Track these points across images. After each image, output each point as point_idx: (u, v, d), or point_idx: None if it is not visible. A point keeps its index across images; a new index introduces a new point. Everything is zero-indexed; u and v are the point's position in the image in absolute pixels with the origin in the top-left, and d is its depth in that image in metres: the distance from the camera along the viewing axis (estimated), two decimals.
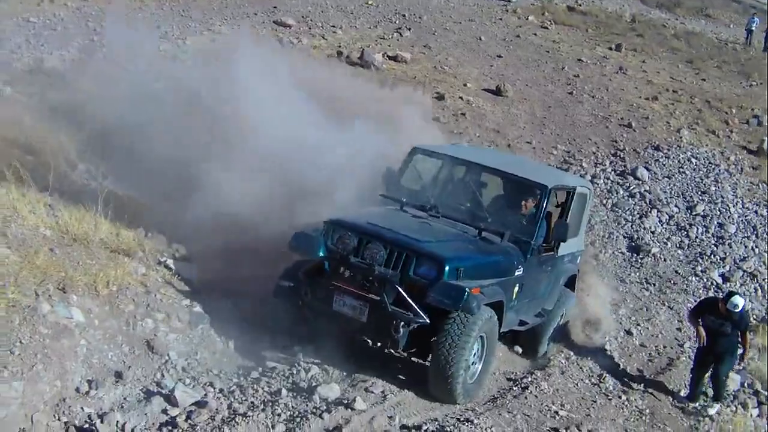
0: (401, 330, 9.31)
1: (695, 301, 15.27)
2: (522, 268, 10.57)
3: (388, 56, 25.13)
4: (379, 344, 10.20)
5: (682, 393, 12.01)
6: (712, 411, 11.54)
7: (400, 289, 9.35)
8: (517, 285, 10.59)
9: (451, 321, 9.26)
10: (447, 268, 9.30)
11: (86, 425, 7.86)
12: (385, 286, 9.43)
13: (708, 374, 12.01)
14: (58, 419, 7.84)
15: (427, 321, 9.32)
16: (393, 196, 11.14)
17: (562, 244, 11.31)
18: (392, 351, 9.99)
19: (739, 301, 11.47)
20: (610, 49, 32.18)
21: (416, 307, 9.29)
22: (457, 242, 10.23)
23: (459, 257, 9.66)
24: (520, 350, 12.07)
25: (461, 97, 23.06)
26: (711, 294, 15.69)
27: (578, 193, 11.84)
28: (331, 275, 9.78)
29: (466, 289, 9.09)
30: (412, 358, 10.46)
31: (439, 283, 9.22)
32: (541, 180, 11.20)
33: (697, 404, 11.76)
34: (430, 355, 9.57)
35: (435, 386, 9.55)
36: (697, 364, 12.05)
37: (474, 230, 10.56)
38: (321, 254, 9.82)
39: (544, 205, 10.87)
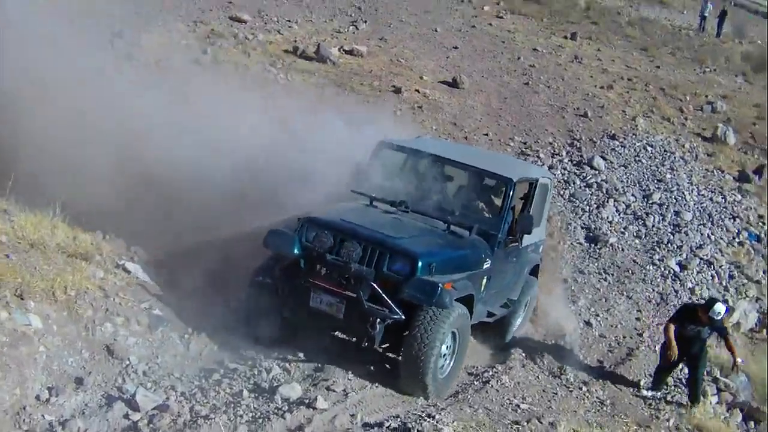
0: (377, 326, 9.54)
1: (653, 289, 15.44)
2: (489, 261, 10.79)
3: (344, 50, 25.07)
4: (354, 339, 10.31)
5: (642, 383, 12.13)
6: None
7: (375, 286, 9.52)
8: (485, 277, 10.81)
9: (422, 316, 9.47)
10: (420, 264, 9.51)
11: None
12: (360, 283, 9.58)
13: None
14: (19, 428, 7.79)
15: (402, 317, 9.54)
16: (363, 192, 11.23)
17: (525, 235, 11.48)
18: (367, 346, 9.99)
19: (721, 309, 11.51)
20: (566, 38, 32.37)
21: (391, 303, 9.51)
22: (428, 238, 10.40)
23: (431, 253, 9.86)
24: None
25: (418, 90, 23.06)
26: (668, 283, 15.86)
27: (540, 184, 12.03)
28: (307, 272, 9.89)
29: (439, 284, 9.26)
30: (381, 354, 10.53)
31: (413, 280, 9.42)
32: (506, 173, 11.37)
33: (659, 393, 11.87)
34: (402, 350, 9.71)
35: (406, 381, 9.73)
36: (665, 367, 12.09)
37: (443, 224, 10.72)
38: (296, 252, 9.92)
39: (510, 198, 11.04)
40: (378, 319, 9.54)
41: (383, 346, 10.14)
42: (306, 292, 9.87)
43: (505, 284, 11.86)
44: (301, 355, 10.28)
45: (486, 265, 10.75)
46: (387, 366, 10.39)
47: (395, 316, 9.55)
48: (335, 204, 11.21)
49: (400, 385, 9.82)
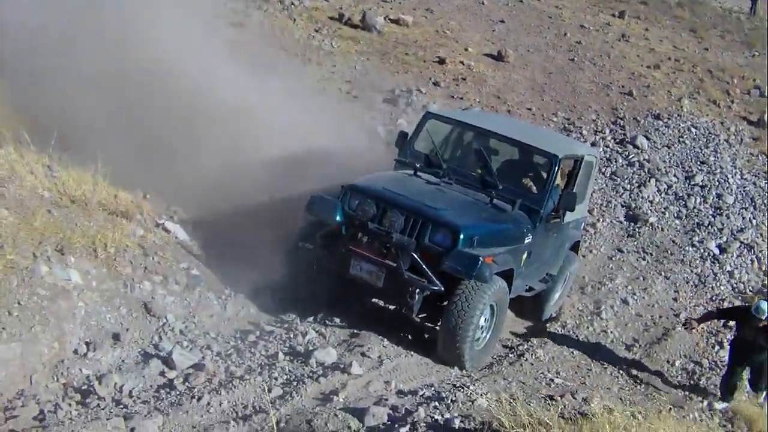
0: (416, 296, 9.58)
1: (691, 271, 15.30)
2: (530, 236, 10.76)
3: (390, 19, 24.94)
4: (393, 307, 10.57)
5: (678, 363, 12.03)
6: (719, 406, 11.25)
7: (416, 256, 9.56)
8: (526, 252, 10.79)
9: (462, 288, 9.52)
10: (462, 236, 9.52)
11: (84, 386, 7.93)
12: (401, 252, 9.61)
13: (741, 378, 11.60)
14: (57, 380, 7.91)
15: (442, 288, 9.57)
16: (407, 161, 11.35)
17: (568, 212, 11.50)
18: (405, 315, 10.14)
19: (763, 306, 10.98)
20: (613, 16, 31.98)
21: (431, 274, 9.53)
22: (471, 210, 10.38)
23: (473, 226, 9.85)
24: None
25: (462, 62, 22.92)
26: (707, 265, 15.68)
27: (585, 161, 11.99)
28: (349, 240, 9.95)
29: (480, 258, 9.30)
30: (418, 324, 10.56)
31: (454, 252, 9.44)
32: (552, 149, 11.30)
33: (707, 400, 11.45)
34: (441, 320, 9.81)
35: (443, 350, 9.82)
36: (729, 374, 11.56)
37: (486, 197, 10.69)
38: (338, 219, 9.96)
39: (554, 174, 11.03)
40: (417, 290, 9.58)
41: (420, 315, 10.10)
42: (346, 259, 9.90)
43: (545, 259, 11.82)
44: (337, 320, 10.34)
45: (527, 240, 10.71)
46: (424, 335, 10.40)
47: (434, 288, 9.57)
48: (379, 173, 11.22)
49: (437, 355, 9.89)
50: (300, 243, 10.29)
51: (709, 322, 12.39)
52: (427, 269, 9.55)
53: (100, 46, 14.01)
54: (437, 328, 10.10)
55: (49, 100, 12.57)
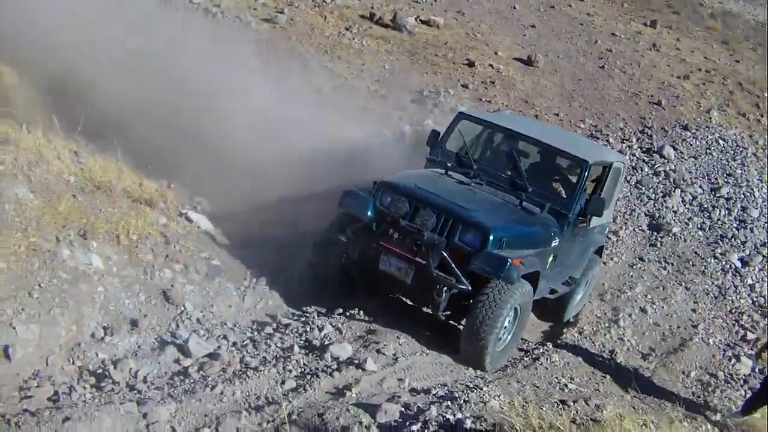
0: (444, 294, 9.69)
1: (712, 282, 15.24)
2: (557, 240, 10.87)
3: (420, 20, 24.96)
4: (418, 305, 10.74)
5: (693, 375, 11.95)
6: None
7: (445, 255, 9.63)
8: (552, 255, 10.90)
9: (490, 289, 9.62)
10: (491, 237, 9.60)
11: (100, 370, 8.00)
12: (431, 250, 9.68)
13: None
14: (73, 363, 7.98)
15: (470, 288, 9.69)
16: (438, 159, 11.50)
17: (594, 217, 11.52)
18: (430, 312, 10.27)
19: None
20: (645, 25, 31.85)
21: (459, 273, 9.64)
22: (501, 212, 10.46)
23: (503, 228, 9.92)
24: None
25: (491, 65, 22.92)
26: (728, 277, 15.58)
27: (614, 168, 12.05)
28: (379, 235, 10.05)
29: (508, 259, 9.36)
30: (436, 322, 10.57)
31: (483, 253, 9.52)
32: (582, 155, 11.36)
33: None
34: (465, 319, 9.90)
35: (466, 349, 9.92)
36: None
37: (515, 199, 10.80)
38: (370, 214, 10.05)
39: (584, 179, 11.10)
40: (445, 288, 9.67)
41: (445, 313, 10.16)
42: (376, 254, 10.04)
43: (570, 263, 11.90)
44: (360, 313, 10.49)
45: (554, 244, 10.82)
46: (442, 334, 10.43)
47: (462, 287, 9.68)
48: (411, 170, 11.35)
49: (459, 352, 10.01)
50: (332, 236, 10.42)
51: None
52: (455, 268, 9.64)
53: (130, 39, 14.19)
54: (460, 326, 10.20)
55: (79, 87, 12.69)
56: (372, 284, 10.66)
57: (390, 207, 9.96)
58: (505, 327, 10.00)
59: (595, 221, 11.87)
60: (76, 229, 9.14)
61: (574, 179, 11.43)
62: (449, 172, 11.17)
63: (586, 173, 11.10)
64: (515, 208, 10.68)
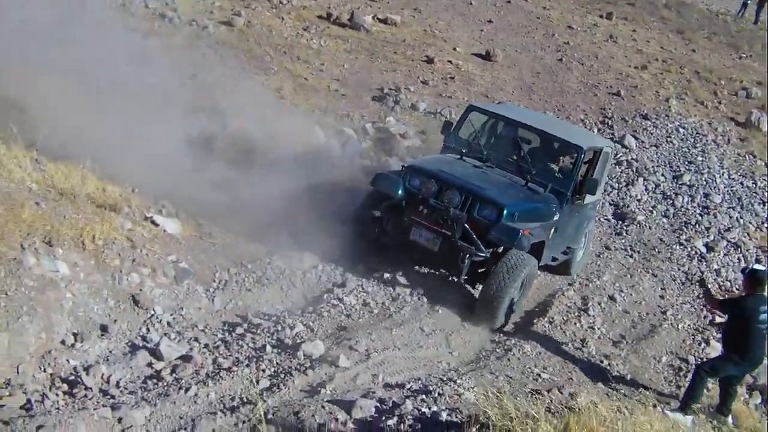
0: (466, 260, 11.39)
1: (678, 269, 15.36)
2: (558, 214, 12.48)
3: (378, 18, 24.99)
4: (443, 270, 12.35)
5: (664, 360, 11.98)
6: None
7: (467, 227, 11.33)
8: (554, 228, 12.45)
9: (507, 258, 11.24)
10: (505, 212, 11.29)
11: (71, 377, 7.94)
12: (455, 224, 11.33)
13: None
14: (44, 371, 7.91)
15: (488, 255, 11.44)
16: (453, 146, 13.07)
17: (588, 195, 13.12)
18: (454, 278, 11.96)
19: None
20: (601, 17, 32.11)
21: (479, 242, 11.31)
22: (512, 191, 12.05)
23: (515, 204, 11.55)
24: None
25: (450, 61, 23.01)
26: (694, 263, 15.69)
27: (604, 152, 13.72)
28: (410, 211, 11.70)
29: (520, 230, 11.09)
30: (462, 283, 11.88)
31: (499, 225, 11.21)
32: (578, 141, 12.97)
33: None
34: (483, 283, 11.41)
35: (481, 308, 11.33)
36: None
37: (521, 180, 12.39)
38: (400, 193, 11.71)
39: (580, 162, 12.73)
40: (467, 255, 11.34)
41: (464, 277, 11.71)
42: (407, 226, 11.67)
43: (567, 235, 13.42)
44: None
45: (555, 218, 12.40)
46: (422, 330, 10.46)
47: (482, 254, 11.40)
48: (432, 155, 13.37)
49: (474, 314, 11.40)
50: (366, 211, 12.13)
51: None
52: (476, 238, 11.26)
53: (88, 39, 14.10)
54: (476, 291, 11.78)
55: (37, 93, 12.56)
56: (402, 251, 12.10)
57: (421, 187, 11.60)
58: (514, 295, 11.41)
59: (588, 198, 13.45)
60: (40, 236, 9.04)
61: (570, 162, 13.04)
62: (464, 157, 12.64)
63: (582, 157, 12.70)
64: (522, 187, 12.24)
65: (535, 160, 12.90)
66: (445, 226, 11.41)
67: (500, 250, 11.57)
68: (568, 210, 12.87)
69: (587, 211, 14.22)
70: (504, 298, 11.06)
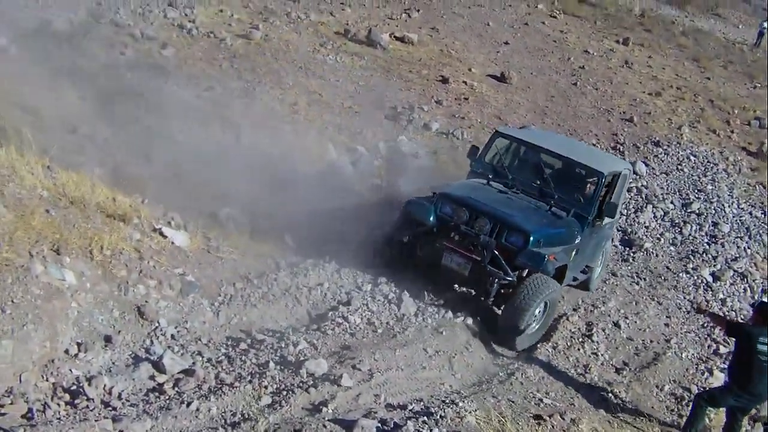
0: (495, 284, 11.79)
1: (684, 297, 15.33)
2: (579, 237, 12.91)
3: (395, 37, 25.08)
4: (472, 293, 12.53)
5: (666, 388, 11.99)
6: None
7: (496, 253, 11.74)
8: (575, 250, 12.86)
9: (530, 280, 11.62)
10: (532, 238, 11.74)
11: (74, 387, 7.95)
12: (485, 249, 11.73)
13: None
14: (46, 380, 7.92)
15: (515, 279, 11.83)
16: (479, 171, 13.53)
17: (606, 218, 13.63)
18: (482, 299, 12.13)
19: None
20: (618, 42, 32.15)
21: (507, 267, 11.72)
22: (537, 216, 12.50)
23: (540, 230, 12.01)
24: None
25: (465, 82, 23.06)
26: (700, 292, 15.64)
27: (622, 175, 14.16)
28: (441, 237, 12.06)
29: (546, 255, 11.62)
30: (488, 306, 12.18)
31: (526, 251, 11.67)
32: (599, 167, 13.44)
33: None
34: (505, 304, 11.79)
35: (503, 328, 11.78)
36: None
37: (545, 205, 12.80)
38: (432, 220, 12.12)
39: (601, 187, 13.18)
40: (496, 279, 11.75)
41: (491, 299, 12.03)
42: (439, 252, 12.04)
43: (587, 254, 13.82)
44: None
45: (577, 241, 12.83)
46: (425, 351, 10.45)
47: (509, 278, 11.80)
48: (460, 182, 13.44)
49: (496, 334, 11.84)
50: (396, 235, 12.43)
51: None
52: (504, 263, 11.70)
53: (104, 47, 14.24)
54: (499, 312, 12.08)
55: (51, 101, 12.67)
56: (433, 275, 12.33)
57: (453, 214, 12.05)
58: (536, 316, 11.82)
59: (606, 219, 13.81)
60: (49, 244, 9.07)
61: (591, 187, 13.56)
62: (490, 182, 13.11)
63: (602, 182, 13.17)
64: (546, 212, 12.70)
65: (557, 185, 13.29)
66: (475, 251, 11.83)
67: (524, 273, 11.99)
68: (588, 232, 13.31)
69: (605, 231, 14.71)
70: (524, 318, 11.48)
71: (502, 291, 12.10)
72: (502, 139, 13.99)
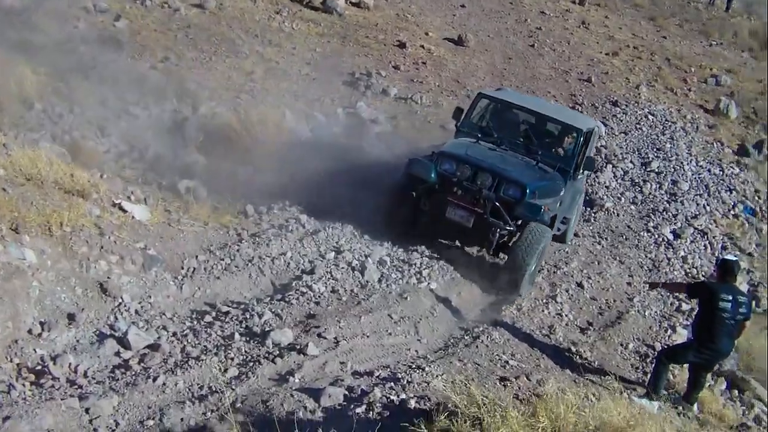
0: (496, 234, 12.70)
1: (645, 255, 15.47)
2: (563, 189, 13.75)
3: (351, 2, 24.90)
4: (473, 244, 13.60)
5: (631, 346, 12.09)
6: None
7: (498, 205, 12.58)
8: (560, 202, 13.71)
9: (530, 229, 12.46)
10: (528, 191, 12.58)
11: (39, 366, 7.90)
12: (486, 202, 12.57)
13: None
14: (10, 360, 7.86)
15: (516, 228, 12.75)
16: (466, 131, 14.25)
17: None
18: (485, 251, 13.24)
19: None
20: (574, 2, 32.12)
21: (507, 218, 12.58)
22: (529, 170, 13.34)
23: (534, 183, 12.85)
24: None
25: (422, 46, 23.00)
26: (661, 250, 15.77)
27: (594, 132, 15.07)
28: (444, 192, 12.76)
29: (542, 206, 12.47)
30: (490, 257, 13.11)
31: (525, 202, 12.49)
32: (577, 124, 14.45)
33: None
34: (509, 253, 12.68)
35: (506, 277, 12.56)
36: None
37: (532, 161, 13.61)
38: (433, 177, 12.75)
39: (581, 143, 14.07)
40: (497, 229, 12.63)
41: (492, 249, 13.01)
42: (443, 206, 12.78)
43: (566, 206, 14.42)
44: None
45: (561, 193, 13.69)
46: (390, 317, 10.44)
47: (510, 228, 12.71)
48: (453, 141, 14.04)
49: (497, 283, 12.63)
50: (401, 192, 12.97)
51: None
52: (504, 214, 12.52)
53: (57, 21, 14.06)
54: (501, 262, 13.12)
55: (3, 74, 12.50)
56: (435, 228, 13.26)
57: (456, 171, 12.75)
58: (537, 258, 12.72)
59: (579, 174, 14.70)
60: (7, 223, 8.98)
61: (571, 143, 14.43)
62: (479, 141, 13.80)
63: (582, 138, 14.07)
64: (535, 167, 13.50)
65: (539, 141, 14.24)
66: (477, 204, 12.60)
67: (519, 223, 12.75)
68: (570, 185, 14.09)
69: (579, 185, 15.37)
70: (528, 265, 12.26)
71: (503, 242, 12.99)
72: (484, 100, 14.81)
